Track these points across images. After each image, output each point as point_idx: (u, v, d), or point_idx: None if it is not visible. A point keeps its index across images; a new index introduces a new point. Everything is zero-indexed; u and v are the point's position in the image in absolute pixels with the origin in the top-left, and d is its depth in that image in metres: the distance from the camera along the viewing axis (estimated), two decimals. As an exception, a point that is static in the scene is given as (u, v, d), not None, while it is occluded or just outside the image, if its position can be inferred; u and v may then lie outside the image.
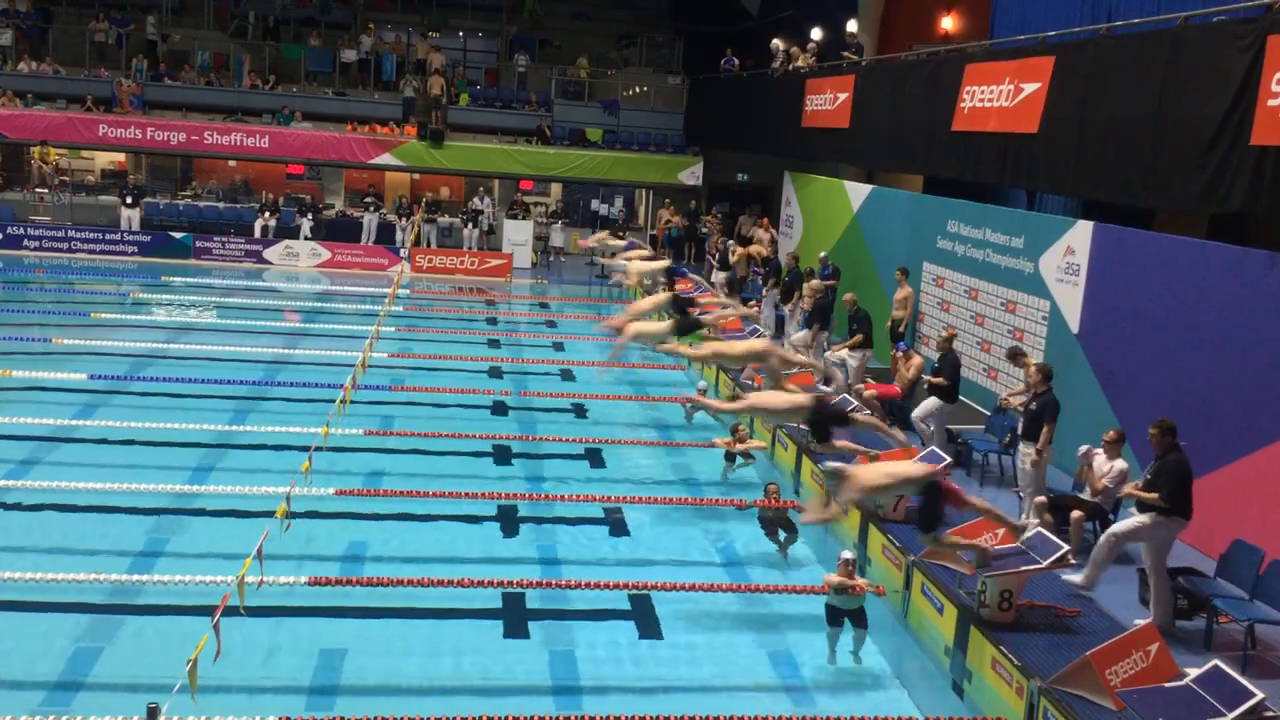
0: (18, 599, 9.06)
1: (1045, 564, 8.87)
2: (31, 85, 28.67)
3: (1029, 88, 13.54)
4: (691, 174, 30.25)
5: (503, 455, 13.62)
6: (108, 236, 26.48)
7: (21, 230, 26.15)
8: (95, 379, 15.40)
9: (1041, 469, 10.99)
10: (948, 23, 21.26)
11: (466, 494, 11.87)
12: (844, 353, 15.63)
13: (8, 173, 29.47)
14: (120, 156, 30.46)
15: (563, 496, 12.21)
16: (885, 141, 18.51)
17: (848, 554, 9.22)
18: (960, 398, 13.14)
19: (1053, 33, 13.59)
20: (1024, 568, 8.84)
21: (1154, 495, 8.97)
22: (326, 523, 11.14)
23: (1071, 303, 12.83)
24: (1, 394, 14.48)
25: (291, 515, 10.12)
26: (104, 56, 30.25)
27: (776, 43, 24.81)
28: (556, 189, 32.72)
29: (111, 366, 16.26)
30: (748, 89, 27.09)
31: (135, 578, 9.55)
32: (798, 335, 17.15)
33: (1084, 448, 10.59)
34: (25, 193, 28.27)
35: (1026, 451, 11.04)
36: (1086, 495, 10.45)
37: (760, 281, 21.19)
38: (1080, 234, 12.80)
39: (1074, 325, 12.76)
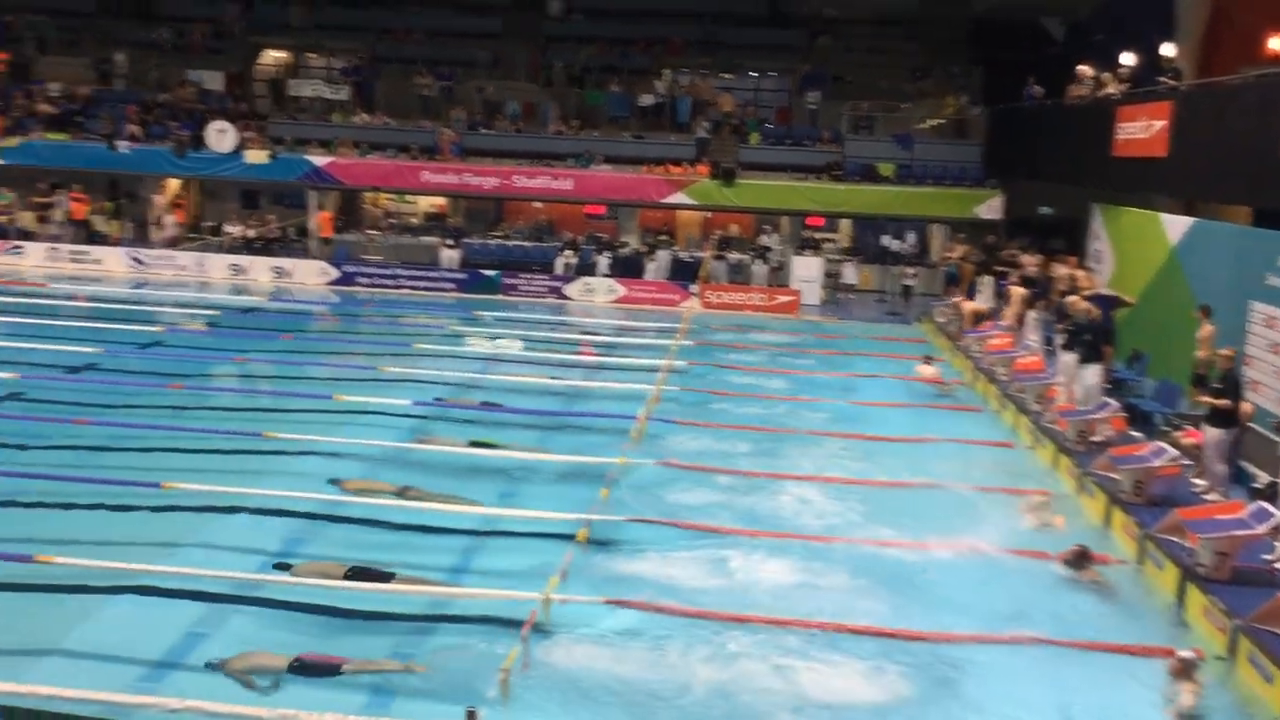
0: (360, 608, 9.81)
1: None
2: (365, 135, 31.65)
3: (1379, 109, 12.24)
4: (989, 207, 29.23)
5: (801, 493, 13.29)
6: (429, 274, 28.78)
7: (355, 268, 28.87)
8: (417, 405, 16.67)
9: None
10: (1278, 43, 19.53)
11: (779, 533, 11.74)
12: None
13: (345, 216, 32.66)
14: (441, 200, 33.06)
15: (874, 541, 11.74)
16: (1208, 171, 17.20)
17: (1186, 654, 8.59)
18: None
19: (1407, 48, 12.24)
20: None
21: None
22: (622, 549, 11.41)
23: None
24: (335, 416, 15.90)
25: (592, 541, 10.57)
26: (427, 108, 32.96)
27: (1083, 69, 23.63)
28: (847, 225, 32.52)
29: (431, 393, 17.52)
30: (1052, 118, 25.91)
31: (450, 591, 10.23)
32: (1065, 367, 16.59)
33: None
34: (359, 234, 31.26)
35: None
36: None
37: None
38: None
39: None
